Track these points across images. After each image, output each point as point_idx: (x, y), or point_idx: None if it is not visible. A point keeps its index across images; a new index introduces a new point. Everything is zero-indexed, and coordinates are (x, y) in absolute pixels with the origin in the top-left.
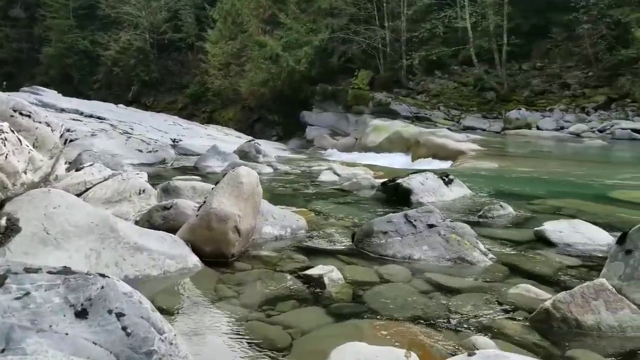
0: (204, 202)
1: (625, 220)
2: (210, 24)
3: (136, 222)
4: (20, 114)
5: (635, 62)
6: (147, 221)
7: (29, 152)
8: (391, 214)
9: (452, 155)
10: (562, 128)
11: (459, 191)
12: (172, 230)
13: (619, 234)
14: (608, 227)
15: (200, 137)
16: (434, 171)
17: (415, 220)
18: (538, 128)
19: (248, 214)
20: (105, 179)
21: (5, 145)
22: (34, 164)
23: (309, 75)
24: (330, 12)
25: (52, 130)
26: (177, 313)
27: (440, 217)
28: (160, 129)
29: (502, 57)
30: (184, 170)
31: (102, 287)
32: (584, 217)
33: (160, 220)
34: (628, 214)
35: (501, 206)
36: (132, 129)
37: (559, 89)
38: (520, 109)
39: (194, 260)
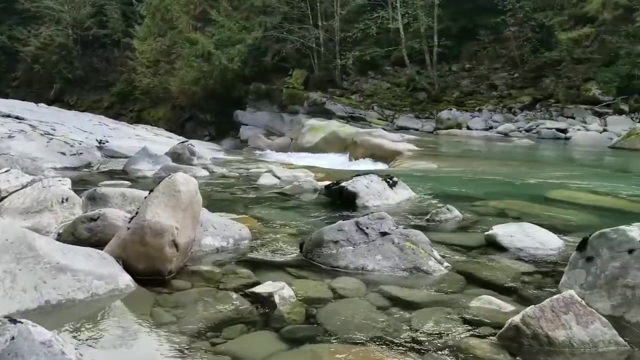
0: (137, 212)
1: (567, 221)
2: (137, 19)
3: (59, 236)
4: None
5: (559, 64)
6: (72, 234)
7: None
8: (341, 222)
9: (390, 155)
10: (491, 128)
11: (403, 194)
12: (100, 244)
13: (567, 237)
14: (553, 229)
15: (129, 137)
16: (378, 173)
17: (367, 228)
18: (468, 128)
19: (187, 225)
20: (24, 187)
21: None
22: None
23: (243, 74)
24: (264, 10)
25: None
26: (107, 346)
27: (393, 224)
28: (85, 129)
29: (433, 59)
30: (111, 175)
31: (13, 338)
32: (529, 219)
33: (87, 233)
34: (568, 215)
35: (448, 209)
36: (54, 129)
37: (487, 89)
38: (451, 109)
39: (125, 279)
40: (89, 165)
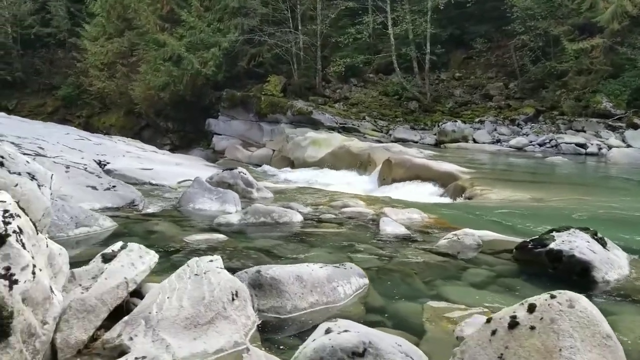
0: None
1: None
2: (85, 18)
3: None
4: None
5: (564, 74)
6: None
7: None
8: None
9: (440, 178)
10: (498, 141)
11: (620, 256)
12: None
13: None
14: None
15: (123, 156)
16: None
17: None
18: (474, 141)
19: None
20: (152, 271)
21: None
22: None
23: (215, 79)
24: (239, 12)
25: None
26: None
27: None
28: (72, 146)
29: (425, 66)
30: (175, 220)
31: None
32: None
33: None
34: None
35: None
36: (42, 148)
37: (481, 99)
38: (456, 122)
39: None
40: (132, 203)
